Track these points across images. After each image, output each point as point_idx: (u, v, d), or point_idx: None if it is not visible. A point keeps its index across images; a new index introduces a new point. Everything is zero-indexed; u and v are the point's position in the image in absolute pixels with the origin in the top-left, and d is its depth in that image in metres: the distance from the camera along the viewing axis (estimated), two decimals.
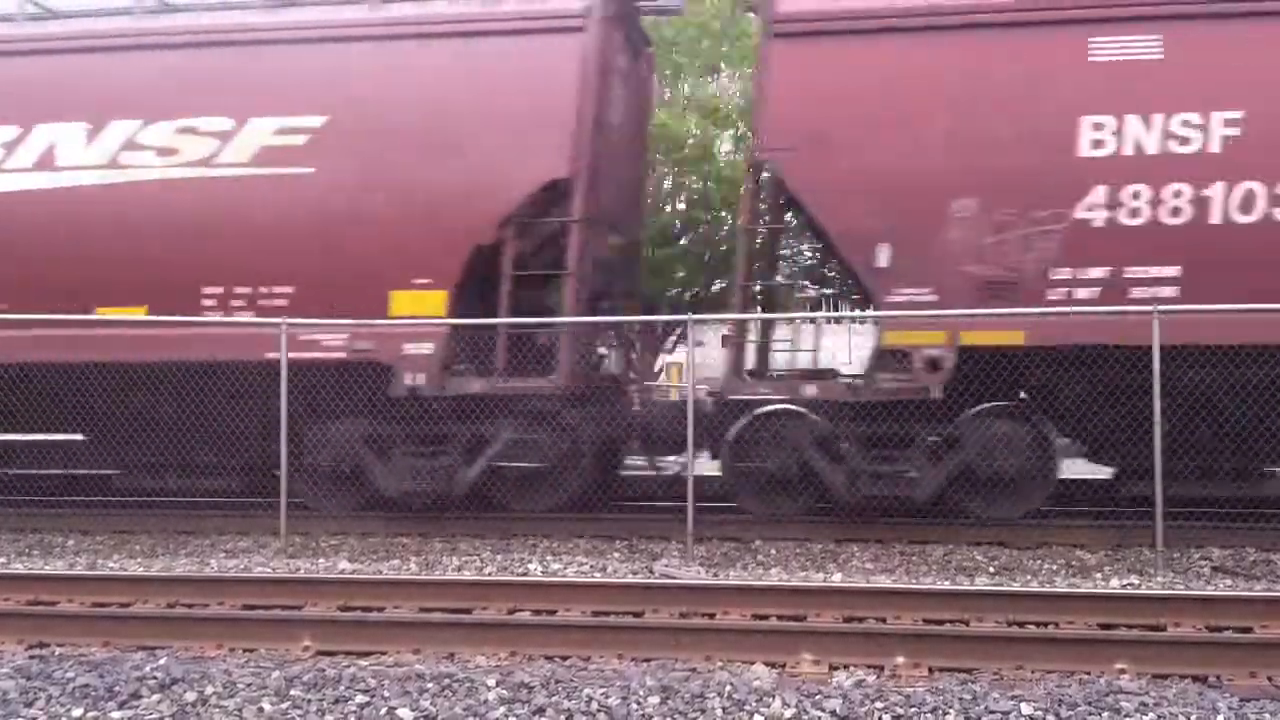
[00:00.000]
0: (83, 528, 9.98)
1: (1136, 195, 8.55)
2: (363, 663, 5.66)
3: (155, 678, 5.25)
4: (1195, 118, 8.52)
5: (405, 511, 9.68)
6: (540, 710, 4.84)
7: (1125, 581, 7.54)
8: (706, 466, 9.58)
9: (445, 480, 9.46)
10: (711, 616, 6.37)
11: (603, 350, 11.47)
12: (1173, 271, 8.50)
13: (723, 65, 18.60)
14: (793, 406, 9.21)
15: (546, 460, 9.48)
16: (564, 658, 5.73)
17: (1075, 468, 10.14)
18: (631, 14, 10.67)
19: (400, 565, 8.39)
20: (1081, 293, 8.64)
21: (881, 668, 5.47)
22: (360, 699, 4.98)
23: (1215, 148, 8.50)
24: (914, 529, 9.17)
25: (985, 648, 5.61)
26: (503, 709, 4.86)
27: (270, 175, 9.59)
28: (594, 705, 4.86)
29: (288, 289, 9.54)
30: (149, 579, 7.37)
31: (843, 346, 17.70)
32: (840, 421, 9.09)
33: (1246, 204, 8.46)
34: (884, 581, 7.55)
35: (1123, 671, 5.33)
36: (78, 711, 4.96)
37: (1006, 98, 8.81)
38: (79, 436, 10.59)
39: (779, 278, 11.62)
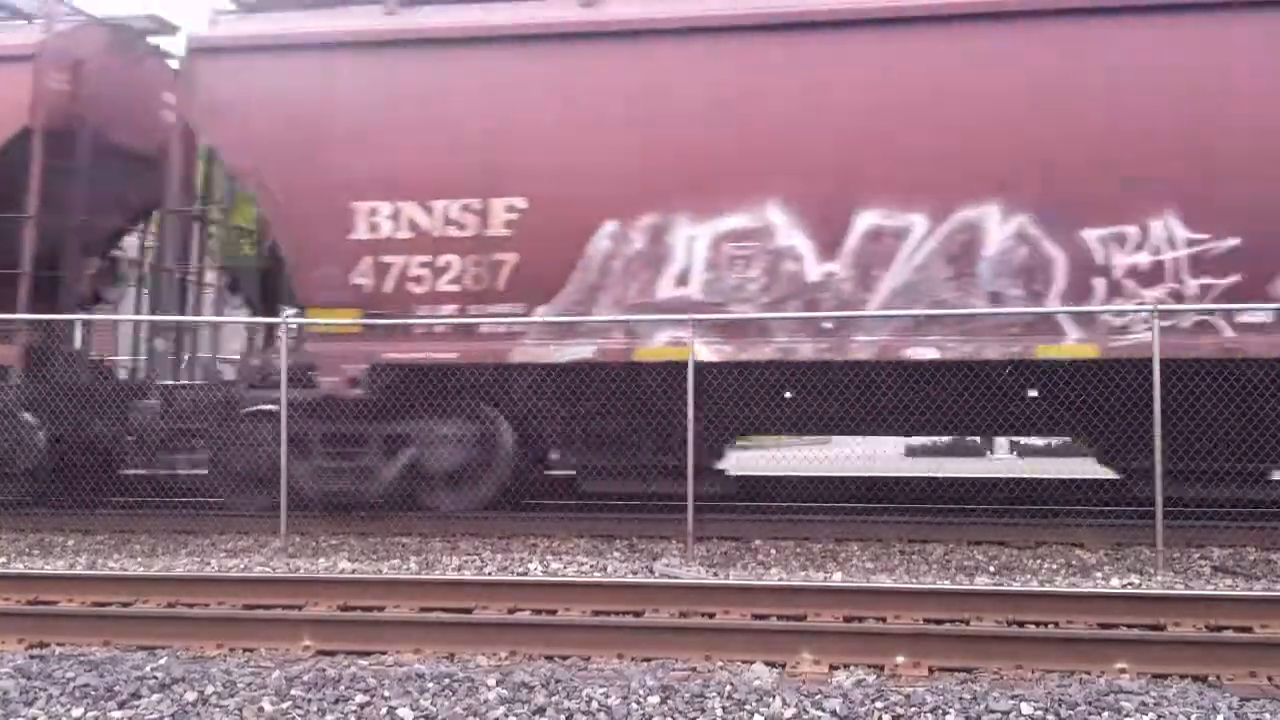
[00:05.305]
0: (83, 527, 10.00)
1: None
2: (363, 662, 5.66)
3: (155, 677, 5.25)
4: None
5: None
6: (540, 710, 4.84)
7: (1125, 581, 7.54)
8: None
9: None
10: (711, 616, 6.37)
11: None
12: None
13: None
14: None
15: None
16: (564, 657, 5.73)
17: (1077, 468, 10.13)
18: None
19: (400, 565, 8.39)
20: None
21: (881, 667, 5.47)
22: (360, 698, 4.98)
23: None
24: (914, 528, 9.18)
25: (985, 647, 5.60)
26: (503, 709, 4.86)
27: None
28: (594, 705, 4.86)
29: None
30: (149, 579, 7.37)
31: None
32: None
33: None
34: (884, 581, 7.55)
35: (1123, 671, 5.33)
36: (78, 711, 4.96)
37: None
38: None
39: None
